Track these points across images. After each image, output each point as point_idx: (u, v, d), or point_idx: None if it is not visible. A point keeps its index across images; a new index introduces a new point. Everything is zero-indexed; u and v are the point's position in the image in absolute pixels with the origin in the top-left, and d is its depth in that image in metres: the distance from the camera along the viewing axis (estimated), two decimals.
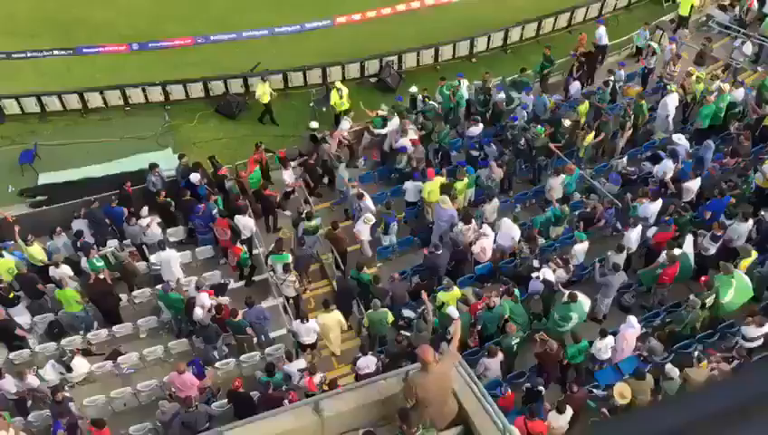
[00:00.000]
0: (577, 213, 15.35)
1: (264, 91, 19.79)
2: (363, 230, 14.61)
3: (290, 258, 13.94)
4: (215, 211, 15.16)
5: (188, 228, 16.02)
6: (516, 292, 12.87)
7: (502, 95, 18.81)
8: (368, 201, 15.16)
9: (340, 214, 16.73)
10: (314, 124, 18.19)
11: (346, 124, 18.25)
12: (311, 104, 20.54)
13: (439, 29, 23.75)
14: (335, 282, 14.35)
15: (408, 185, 16.18)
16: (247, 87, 21.25)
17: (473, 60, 23.08)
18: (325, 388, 11.13)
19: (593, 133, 17.07)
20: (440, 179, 15.69)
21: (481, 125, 17.87)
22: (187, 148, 19.04)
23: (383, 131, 17.75)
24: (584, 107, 17.90)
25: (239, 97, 21.10)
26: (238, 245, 14.60)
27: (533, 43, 23.74)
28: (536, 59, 20.77)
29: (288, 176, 16.48)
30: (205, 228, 15.37)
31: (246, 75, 21.29)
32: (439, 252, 13.74)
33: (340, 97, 19.29)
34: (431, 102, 18.82)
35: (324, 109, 20.49)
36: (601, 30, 20.98)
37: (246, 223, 14.88)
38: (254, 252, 15.43)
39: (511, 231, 14.34)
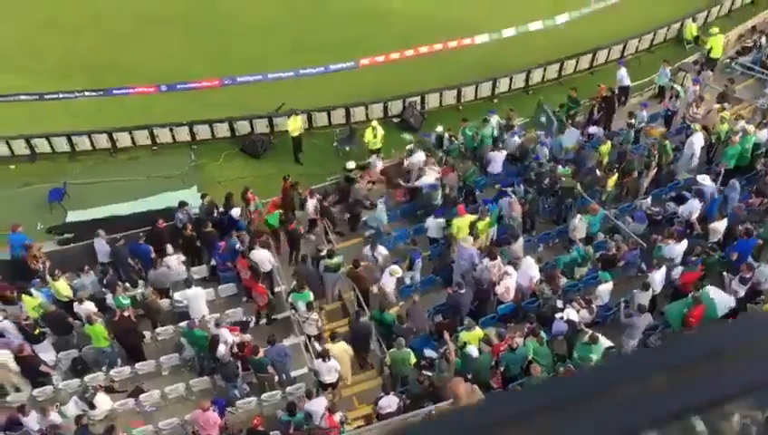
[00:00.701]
0: (598, 254, 15.32)
1: (295, 126, 20.23)
2: (389, 283, 14.42)
3: (311, 296, 14.02)
4: (237, 246, 15.35)
5: (211, 266, 16.19)
6: (543, 334, 12.75)
7: (517, 140, 18.92)
8: (382, 249, 15.18)
9: (362, 251, 16.82)
10: (351, 165, 18.34)
11: (379, 163, 18.47)
12: (334, 144, 20.85)
13: (461, 70, 24.09)
14: (349, 322, 14.33)
15: (430, 222, 16.26)
16: (272, 126, 21.66)
17: (494, 100, 23.33)
18: (347, 427, 11.06)
19: (617, 175, 17.06)
20: (471, 217, 15.75)
21: (504, 152, 18.11)
22: (212, 186, 19.34)
23: (411, 160, 17.94)
24: (606, 147, 17.96)
25: (264, 136, 21.50)
26: (260, 284, 14.66)
27: (556, 84, 23.95)
28: (558, 99, 20.96)
29: (311, 205, 16.73)
30: (225, 266, 15.52)
31: (271, 115, 21.72)
32: (462, 291, 13.72)
33: (374, 136, 19.55)
34: (456, 142, 19.01)
35: (348, 148, 20.79)
36: (623, 71, 21.14)
37: (262, 257, 14.97)
38: (276, 289, 15.52)
39: (529, 270, 14.32)
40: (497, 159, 18.15)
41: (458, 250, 15.00)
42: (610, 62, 24.63)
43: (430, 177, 17.24)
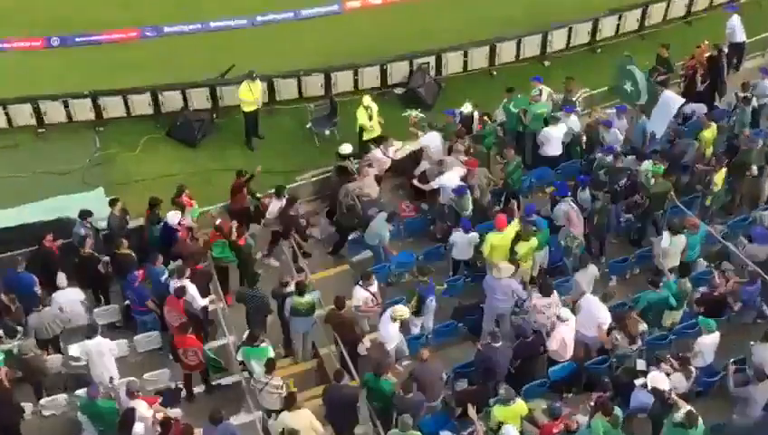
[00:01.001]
0: (699, 291, 15.28)
1: (251, 97, 20.27)
2: (389, 332, 14.44)
3: (272, 352, 14.01)
4: (164, 278, 15.31)
5: (124, 305, 16.20)
6: (617, 410, 12.72)
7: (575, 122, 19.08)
8: (374, 286, 15.23)
9: (349, 285, 16.85)
10: (347, 148, 18.60)
11: (391, 150, 18.71)
12: (307, 125, 20.88)
13: (496, 19, 24.21)
14: (325, 389, 14.27)
15: (457, 238, 16.29)
16: (216, 100, 21.73)
17: (545, 63, 23.44)
18: None
19: (724, 171, 17.11)
20: (514, 229, 15.85)
21: (563, 127, 18.34)
22: (127, 187, 19.34)
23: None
24: (710, 133, 18.02)
25: (203, 115, 21.52)
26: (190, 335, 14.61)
27: (635, 37, 24.07)
28: (640, 61, 21.01)
29: (275, 208, 16.97)
30: (142, 306, 15.52)
31: (215, 83, 21.72)
32: (497, 345, 13.68)
33: (370, 118, 19.68)
34: (491, 124, 19.08)
35: (327, 132, 20.89)
36: (735, 21, 21.23)
37: (194, 293, 15.08)
38: (219, 342, 15.52)
39: (597, 314, 14.32)
40: (553, 138, 18.27)
41: (487, 284, 15.01)
42: (716, 7, 24.77)
43: (455, 175, 17.30)
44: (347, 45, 23.39)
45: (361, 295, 15.08)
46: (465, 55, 23.04)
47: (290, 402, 13.01)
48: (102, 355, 14.29)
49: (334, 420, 13.56)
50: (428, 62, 22.66)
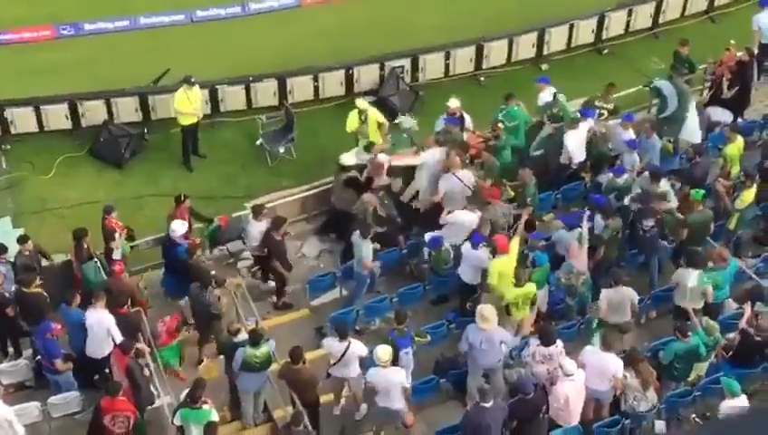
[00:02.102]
0: (730, 336, 15.38)
1: (188, 107, 20.18)
2: (365, 392, 14.57)
3: (215, 416, 13.94)
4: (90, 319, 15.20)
5: (36, 361, 16.03)
6: None
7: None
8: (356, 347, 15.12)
9: (307, 334, 16.84)
10: (348, 159, 18.87)
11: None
12: (258, 142, 20.81)
13: (483, 14, 24.43)
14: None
15: (467, 252, 16.39)
16: (146, 112, 21.65)
17: (542, 66, 23.63)
18: None
19: (754, 189, 17.28)
20: (516, 245, 16.05)
21: (584, 128, 18.66)
22: (39, 218, 19.29)
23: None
24: (735, 148, 18.20)
25: (132, 129, 21.44)
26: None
27: (648, 36, 24.39)
28: (647, 65, 21.28)
29: (255, 230, 17.24)
30: (51, 364, 15.38)
31: (145, 92, 21.67)
32: (488, 405, 13.58)
33: (362, 121, 19.71)
34: (502, 137, 19.19)
35: (282, 150, 20.85)
36: (764, 17, 21.42)
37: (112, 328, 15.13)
38: (153, 403, 15.36)
39: (607, 365, 14.31)
40: (576, 142, 18.48)
41: (468, 334, 14.98)
42: (744, 2, 25.05)
43: (468, 214, 17.30)
44: (305, 46, 23.47)
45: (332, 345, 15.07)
46: (447, 57, 23.14)
47: None
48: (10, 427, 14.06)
49: None
50: (403, 66, 22.75)
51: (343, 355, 14.81)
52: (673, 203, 17.29)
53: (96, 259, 16.91)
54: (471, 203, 17.61)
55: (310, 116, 21.73)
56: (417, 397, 15.26)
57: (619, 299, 15.36)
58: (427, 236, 17.20)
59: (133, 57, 23.05)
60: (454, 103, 19.50)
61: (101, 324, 15.16)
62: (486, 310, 14.94)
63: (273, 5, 24.94)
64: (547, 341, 14.47)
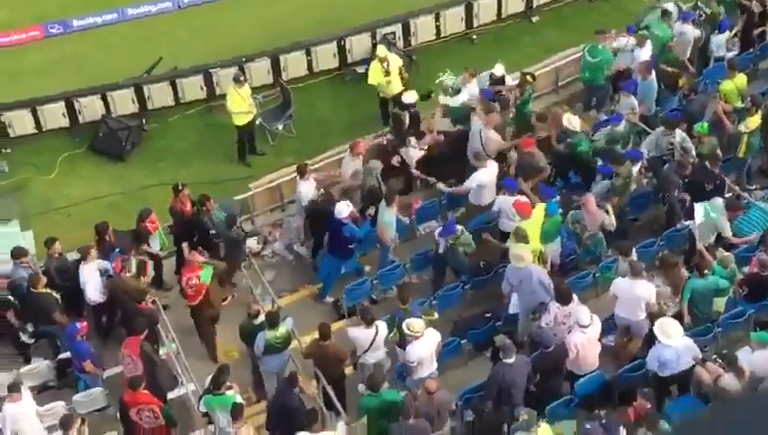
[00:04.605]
0: (745, 271, 15.32)
1: (241, 105, 19.95)
2: (408, 369, 14.53)
3: (239, 398, 13.95)
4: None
5: (57, 361, 16.12)
6: (666, 428, 12.67)
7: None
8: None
9: (324, 308, 16.94)
10: (410, 97, 18.91)
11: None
12: (257, 122, 20.76)
13: None
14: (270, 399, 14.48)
15: (502, 203, 16.42)
16: (142, 102, 21.61)
17: (533, 18, 23.68)
18: None
19: (758, 114, 17.22)
20: (541, 211, 15.98)
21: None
22: (47, 218, 19.33)
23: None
24: (732, 84, 18.08)
25: (130, 121, 21.41)
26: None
27: None
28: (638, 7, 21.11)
29: (305, 189, 17.39)
30: (80, 364, 15.42)
31: (141, 82, 21.62)
32: (511, 360, 13.59)
33: (386, 73, 19.72)
34: (532, 84, 19.15)
35: (281, 128, 20.85)
36: None
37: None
38: (176, 392, 15.40)
39: (639, 293, 14.35)
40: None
41: (509, 275, 15.07)
42: None
43: (493, 170, 17.25)
44: (294, 21, 23.41)
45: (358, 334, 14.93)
46: (438, 19, 23.05)
47: None
48: (25, 423, 14.12)
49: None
50: (394, 32, 22.61)
51: (373, 342, 14.75)
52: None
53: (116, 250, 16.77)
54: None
55: (305, 91, 21.75)
56: (439, 362, 15.27)
57: (630, 298, 14.93)
58: (437, 232, 16.90)
59: (124, 49, 23.02)
60: (500, 71, 19.36)
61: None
62: (520, 249, 15.05)
63: None
64: (565, 300, 14.44)
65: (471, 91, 18.75)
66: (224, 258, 16.93)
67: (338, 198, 17.25)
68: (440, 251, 16.44)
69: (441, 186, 18.04)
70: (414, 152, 18.17)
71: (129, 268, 16.17)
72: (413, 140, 18.25)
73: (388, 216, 16.72)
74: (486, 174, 17.19)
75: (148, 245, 16.85)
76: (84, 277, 16.14)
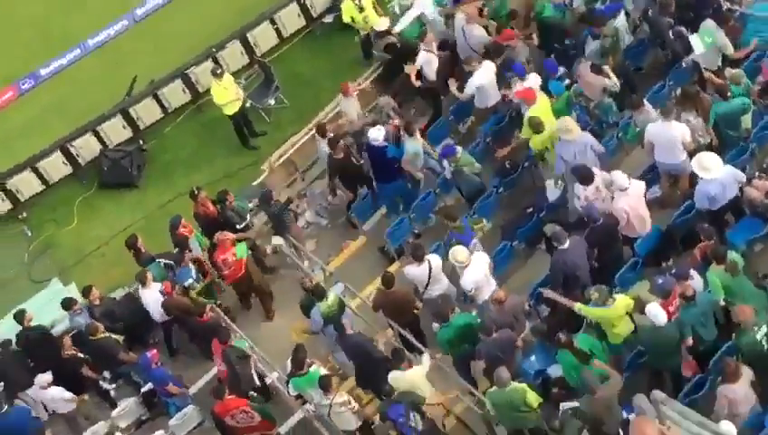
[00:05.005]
0: (760, 80, 15.25)
1: (226, 96, 19.89)
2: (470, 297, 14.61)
3: (322, 371, 14.16)
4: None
5: (143, 394, 16.35)
6: (735, 256, 12.63)
7: None
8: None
9: (373, 257, 16.94)
10: (382, 25, 19.24)
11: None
12: (247, 105, 20.66)
13: None
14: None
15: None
16: (133, 125, 21.60)
17: None
18: None
19: None
20: (544, 96, 15.95)
21: None
22: (84, 267, 19.47)
23: None
24: None
25: (128, 148, 21.44)
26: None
27: None
28: None
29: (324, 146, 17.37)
30: (164, 389, 15.70)
31: (125, 107, 21.56)
32: (566, 245, 13.63)
33: (361, 9, 19.77)
34: None
35: (272, 102, 20.99)
36: None
37: None
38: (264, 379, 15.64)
39: (672, 132, 14.30)
40: None
41: (559, 151, 15.07)
42: None
43: (489, 71, 17.04)
44: None
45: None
46: None
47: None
48: None
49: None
50: None
51: (430, 275, 14.79)
52: None
53: (158, 259, 17.01)
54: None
55: (283, 59, 21.71)
56: (499, 270, 15.34)
57: (666, 140, 14.72)
58: (438, 149, 17.05)
59: (98, 80, 22.91)
60: None
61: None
62: (565, 122, 15.08)
63: None
64: (587, 181, 14.34)
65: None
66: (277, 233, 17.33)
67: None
68: (448, 177, 16.54)
69: (453, 89, 17.82)
70: (428, 56, 18.01)
71: (192, 287, 16.45)
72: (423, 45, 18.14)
73: (413, 145, 16.68)
74: (482, 75, 17.01)
75: (190, 250, 16.94)
76: (147, 301, 16.33)
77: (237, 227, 17.15)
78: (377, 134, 16.65)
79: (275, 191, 17.92)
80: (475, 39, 17.76)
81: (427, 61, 17.94)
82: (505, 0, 18.82)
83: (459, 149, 16.27)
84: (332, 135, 17.30)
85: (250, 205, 18.13)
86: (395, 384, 13.28)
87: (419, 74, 18.17)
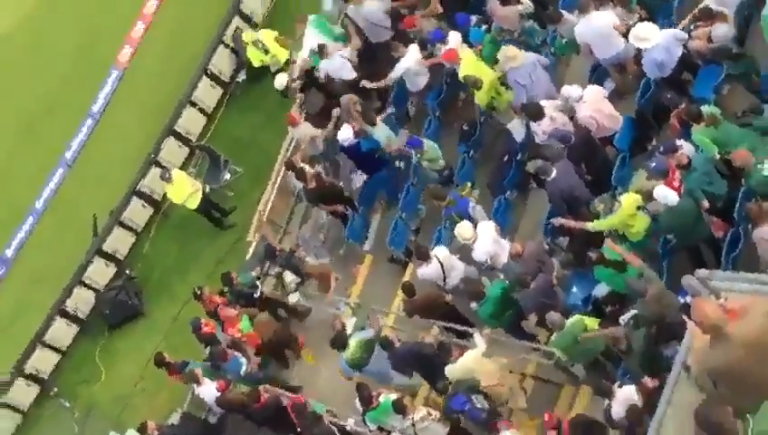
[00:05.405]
0: None
1: (183, 193, 19.99)
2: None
3: (392, 396, 14.18)
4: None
5: None
6: (706, 108, 12.68)
7: None
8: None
9: (386, 270, 17.08)
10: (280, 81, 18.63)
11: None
12: (207, 190, 20.64)
13: None
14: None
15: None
16: (113, 259, 21.65)
17: None
18: None
19: None
20: (466, 49, 15.85)
21: None
22: (130, 410, 19.58)
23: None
24: None
25: (118, 282, 21.49)
26: None
27: None
28: None
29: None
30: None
31: (98, 248, 21.54)
32: (554, 174, 13.75)
33: (266, 51, 19.78)
34: None
35: (229, 177, 21.09)
36: None
37: None
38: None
39: (597, 24, 14.21)
40: None
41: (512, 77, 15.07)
42: None
43: (411, 54, 16.86)
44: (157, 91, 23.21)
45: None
46: None
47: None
48: None
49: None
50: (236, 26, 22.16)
51: (443, 270, 14.82)
52: None
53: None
54: None
55: (218, 132, 21.90)
56: (503, 222, 15.45)
57: (597, 34, 14.57)
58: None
59: (61, 235, 22.88)
60: None
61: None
62: (505, 51, 15.16)
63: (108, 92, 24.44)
64: (535, 115, 14.39)
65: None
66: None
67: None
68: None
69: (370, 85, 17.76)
70: (339, 62, 17.88)
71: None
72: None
73: (380, 132, 16.63)
74: (408, 59, 16.89)
75: (220, 343, 17.04)
76: (205, 396, 16.46)
77: (254, 296, 17.34)
78: (345, 134, 16.68)
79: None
80: (374, 16, 17.63)
81: (340, 67, 17.85)
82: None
83: (426, 142, 16.25)
84: (300, 166, 17.27)
85: (254, 273, 18.15)
86: (452, 376, 13.46)
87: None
